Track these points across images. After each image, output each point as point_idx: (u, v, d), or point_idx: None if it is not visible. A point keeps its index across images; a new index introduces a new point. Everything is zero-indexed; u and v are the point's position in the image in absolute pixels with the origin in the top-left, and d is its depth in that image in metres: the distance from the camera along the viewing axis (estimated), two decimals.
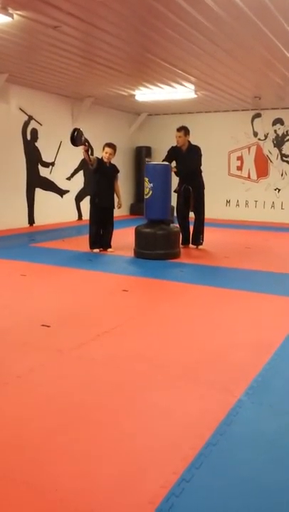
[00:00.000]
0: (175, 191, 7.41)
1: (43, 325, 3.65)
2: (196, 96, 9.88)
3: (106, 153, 6.80)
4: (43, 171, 10.30)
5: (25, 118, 9.68)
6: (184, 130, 7.18)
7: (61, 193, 10.87)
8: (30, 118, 9.78)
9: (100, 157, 6.87)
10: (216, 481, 1.85)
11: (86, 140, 6.54)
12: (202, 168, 7.44)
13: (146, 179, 6.59)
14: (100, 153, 6.98)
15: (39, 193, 10.19)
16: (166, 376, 2.80)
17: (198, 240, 7.49)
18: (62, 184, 10.85)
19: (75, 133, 6.42)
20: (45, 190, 10.40)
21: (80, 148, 6.64)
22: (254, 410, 2.41)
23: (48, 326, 3.63)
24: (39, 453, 2.03)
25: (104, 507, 1.71)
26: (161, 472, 1.89)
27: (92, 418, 2.32)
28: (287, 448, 2.09)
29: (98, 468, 1.92)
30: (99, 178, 6.89)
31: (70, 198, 11.14)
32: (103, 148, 6.85)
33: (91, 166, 6.84)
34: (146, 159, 11.73)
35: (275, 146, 11.87)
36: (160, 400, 2.51)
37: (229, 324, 3.81)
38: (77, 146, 6.55)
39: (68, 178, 11.02)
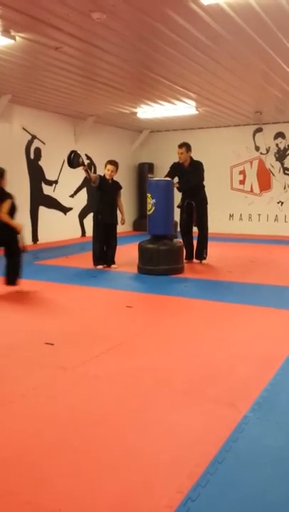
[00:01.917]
0: (178, 206, 7.43)
1: (46, 343, 3.63)
2: (197, 112, 9.98)
3: (108, 170, 6.87)
4: (47, 189, 10.38)
5: (29, 137, 9.80)
6: (185, 146, 7.23)
7: (64, 210, 10.94)
8: (34, 137, 9.90)
9: (102, 174, 6.93)
10: (222, 500, 1.82)
11: (83, 161, 6.69)
12: (205, 183, 7.48)
13: (149, 195, 6.62)
14: (103, 170, 7.04)
15: (43, 210, 10.25)
16: (171, 392, 2.77)
17: (201, 254, 7.48)
18: (65, 202, 10.92)
19: (72, 155, 6.60)
20: (49, 207, 10.47)
21: (81, 168, 6.76)
22: (260, 426, 2.37)
23: (52, 344, 3.61)
24: (43, 471, 2.01)
25: None
26: (166, 490, 1.86)
27: (96, 435, 2.30)
28: None
29: (102, 487, 1.89)
30: (101, 195, 6.95)
31: (73, 215, 11.20)
32: (105, 166, 6.91)
33: (93, 183, 6.91)
34: (149, 176, 11.81)
35: (277, 160, 11.92)
36: (165, 416, 2.48)
37: (234, 339, 3.78)
38: (74, 167, 6.74)
39: (72, 196, 11.10)
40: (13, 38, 5.37)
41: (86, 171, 6.73)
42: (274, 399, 2.67)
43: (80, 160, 6.66)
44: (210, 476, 1.94)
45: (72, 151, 6.63)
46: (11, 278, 5.42)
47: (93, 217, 7.14)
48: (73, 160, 6.59)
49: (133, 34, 5.28)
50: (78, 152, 6.68)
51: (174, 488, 1.86)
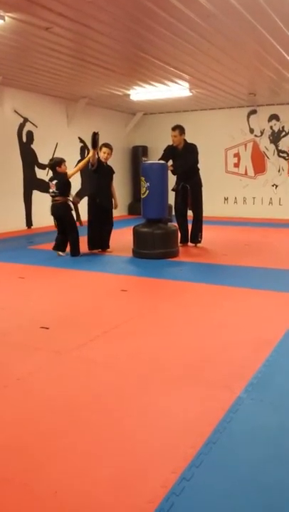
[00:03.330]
0: (173, 190, 7.40)
1: (42, 327, 3.64)
2: (190, 94, 9.87)
3: (104, 153, 6.81)
4: (40, 173, 10.28)
5: (21, 120, 9.67)
6: (178, 129, 7.17)
7: None
8: (26, 120, 9.77)
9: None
10: (216, 479, 1.85)
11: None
12: (199, 165, 7.43)
13: (143, 178, 6.58)
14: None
15: (36, 195, 10.17)
16: (166, 375, 2.79)
17: (196, 238, 7.48)
18: None
19: (97, 137, 6.53)
20: (43, 192, 10.37)
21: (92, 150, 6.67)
22: (254, 407, 2.40)
23: (47, 328, 3.62)
24: (38, 455, 2.03)
25: (104, 508, 1.70)
26: (161, 471, 1.88)
27: (92, 419, 2.31)
28: (287, 445, 2.08)
29: (98, 469, 1.92)
30: (98, 178, 6.88)
31: None
32: (100, 149, 6.84)
33: (92, 166, 6.83)
34: (143, 158, 11.72)
35: (271, 142, 11.86)
36: (160, 399, 2.50)
37: (229, 321, 3.80)
38: (95, 149, 6.64)
39: None
40: (2, 18, 5.26)
41: (97, 152, 6.68)
42: (268, 380, 2.70)
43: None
44: (204, 456, 1.97)
45: (95, 133, 6.55)
46: (75, 251, 6.59)
47: (88, 200, 7.09)
48: (97, 141, 6.55)
49: (125, 14, 5.18)
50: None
51: (169, 470, 1.89)
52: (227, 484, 1.82)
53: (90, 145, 6.71)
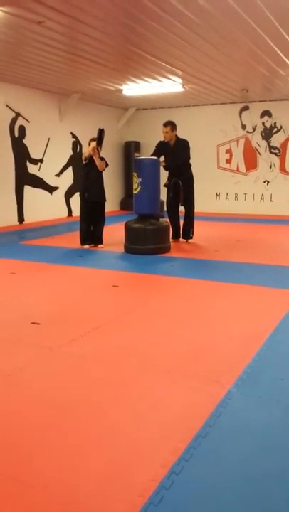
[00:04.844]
0: (165, 185, 7.41)
1: (32, 322, 3.64)
2: (183, 89, 9.86)
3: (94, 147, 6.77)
4: (32, 168, 10.24)
5: (13, 115, 9.61)
6: (170, 125, 7.17)
7: (50, 189, 10.82)
8: (18, 115, 9.72)
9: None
10: (205, 472, 1.86)
11: None
12: (191, 161, 7.44)
13: (135, 174, 6.58)
14: (87, 148, 6.94)
15: (28, 190, 10.13)
16: (157, 370, 2.81)
17: (188, 233, 7.49)
18: (51, 181, 10.80)
19: (102, 133, 6.51)
20: (34, 187, 10.35)
21: (93, 146, 6.63)
22: (243, 401, 2.42)
23: (38, 324, 3.62)
24: (28, 449, 2.03)
25: (94, 501, 1.71)
26: (151, 465, 1.90)
27: (82, 413, 2.32)
28: (276, 438, 2.11)
29: (87, 463, 1.93)
30: (88, 172, 6.85)
31: (59, 194, 11.09)
32: (89, 143, 6.82)
33: (84, 160, 6.80)
34: (135, 154, 11.69)
35: (263, 139, 11.89)
36: (150, 393, 2.52)
37: (219, 317, 3.82)
38: (100, 146, 6.60)
39: (57, 175, 10.97)
40: None
41: (98, 149, 6.64)
42: (257, 375, 2.72)
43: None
44: (193, 450, 1.99)
45: (101, 129, 6.53)
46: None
47: (80, 195, 7.07)
48: (103, 137, 6.52)
49: (117, 8, 5.16)
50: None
51: (159, 464, 1.90)
52: (216, 478, 1.83)
53: (91, 142, 6.63)
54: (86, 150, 6.66)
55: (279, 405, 2.39)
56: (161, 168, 6.93)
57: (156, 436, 2.11)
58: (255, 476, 1.85)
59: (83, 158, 6.83)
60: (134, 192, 6.61)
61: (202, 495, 1.74)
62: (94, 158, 6.64)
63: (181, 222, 7.55)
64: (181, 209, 7.51)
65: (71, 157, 11.26)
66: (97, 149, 6.63)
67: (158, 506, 1.66)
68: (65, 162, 11.11)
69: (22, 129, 9.86)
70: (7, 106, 9.45)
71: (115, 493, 1.74)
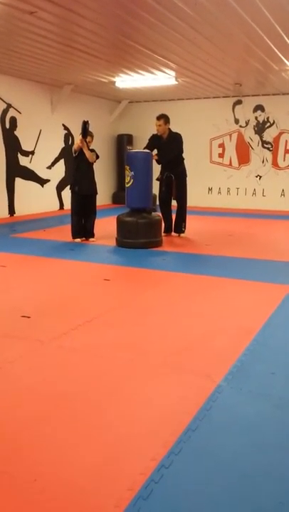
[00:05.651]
0: (157, 179, 7.38)
1: (23, 316, 3.62)
2: (176, 83, 9.82)
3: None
4: (23, 160, 10.16)
5: (4, 106, 9.52)
6: (163, 118, 7.14)
7: (42, 182, 10.75)
8: (9, 106, 9.62)
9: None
10: (195, 466, 1.87)
11: None
12: (184, 155, 7.42)
13: (127, 167, 6.55)
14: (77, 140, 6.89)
15: (19, 182, 10.06)
16: (147, 364, 2.81)
17: (180, 228, 7.49)
18: (42, 173, 10.73)
19: (87, 125, 6.46)
20: (26, 179, 10.27)
21: (80, 138, 6.60)
22: (233, 395, 2.44)
23: (29, 317, 3.60)
24: (19, 443, 2.03)
25: (83, 495, 1.71)
26: (141, 459, 1.90)
27: (72, 407, 2.32)
28: (265, 432, 2.12)
29: (77, 457, 1.93)
30: (78, 164, 6.81)
31: (51, 187, 11.03)
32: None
33: (75, 153, 6.76)
34: (128, 147, 11.65)
35: (256, 133, 11.89)
36: (140, 387, 2.52)
37: (210, 311, 3.83)
38: (85, 138, 6.56)
39: (49, 167, 10.90)
40: None
41: (85, 140, 6.60)
42: (247, 369, 2.74)
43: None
44: (183, 444, 2.00)
45: (85, 121, 6.50)
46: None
47: (70, 188, 7.04)
48: (88, 130, 6.49)
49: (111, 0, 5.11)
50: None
51: (149, 457, 1.91)
52: (206, 471, 1.84)
53: (78, 133, 6.57)
54: (75, 143, 6.61)
55: (269, 399, 2.40)
56: (154, 162, 6.91)
57: (147, 430, 2.11)
58: (244, 469, 1.86)
59: (73, 151, 6.79)
60: (127, 185, 6.58)
61: (191, 488, 1.75)
62: (84, 150, 6.60)
63: (174, 216, 7.54)
64: (174, 203, 7.50)
65: (63, 149, 11.18)
66: (86, 141, 6.58)
67: (147, 500, 1.67)
68: (56, 154, 11.04)
69: (13, 120, 9.77)
70: None
71: (105, 487, 1.75)
